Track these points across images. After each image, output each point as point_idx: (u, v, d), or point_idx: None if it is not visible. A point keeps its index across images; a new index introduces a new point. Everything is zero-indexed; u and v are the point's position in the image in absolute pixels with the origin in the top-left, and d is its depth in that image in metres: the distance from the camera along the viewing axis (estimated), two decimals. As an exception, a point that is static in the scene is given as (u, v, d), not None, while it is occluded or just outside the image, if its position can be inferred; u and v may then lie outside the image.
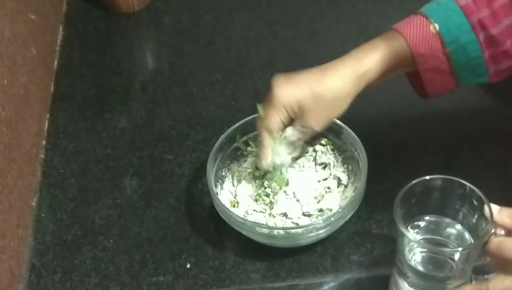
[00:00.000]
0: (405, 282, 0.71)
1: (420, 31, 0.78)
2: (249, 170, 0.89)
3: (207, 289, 0.82)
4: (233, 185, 0.89)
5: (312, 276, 0.82)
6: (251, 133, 0.89)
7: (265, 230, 0.81)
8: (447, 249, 0.70)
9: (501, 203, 0.66)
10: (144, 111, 1.05)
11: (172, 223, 0.89)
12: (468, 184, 0.68)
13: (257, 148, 0.84)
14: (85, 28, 1.21)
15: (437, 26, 0.77)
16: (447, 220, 0.71)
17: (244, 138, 0.90)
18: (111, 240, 0.88)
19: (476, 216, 0.68)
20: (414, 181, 0.69)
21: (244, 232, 0.82)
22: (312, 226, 0.79)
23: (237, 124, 0.90)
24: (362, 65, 0.78)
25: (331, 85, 0.79)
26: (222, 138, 0.88)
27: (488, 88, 1.04)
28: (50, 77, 1.10)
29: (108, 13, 1.22)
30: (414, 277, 0.70)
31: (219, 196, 0.85)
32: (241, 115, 0.98)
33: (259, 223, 0.83)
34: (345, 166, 0.88)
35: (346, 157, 0.88)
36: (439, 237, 0.72)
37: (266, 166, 0.83)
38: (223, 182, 0.89)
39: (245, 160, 0.90)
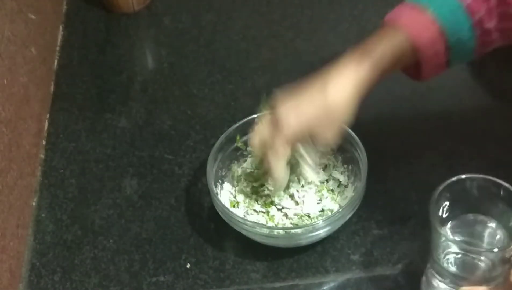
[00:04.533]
0: (438, 281, 0.71)
1: (418, 21, 0.76)
2: (249, 170, 0.89)
3: (207, 289, 0.82)
4: (233, 185, 0.89)
5: (312, 276, 0.82)
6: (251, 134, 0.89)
7: (265, 230, 0.81)
8: (482, 249, 0.69)
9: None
10: (144, 111, 1.05)
11: (172, 223, 0.89)
12: (505, 184, 0.67)
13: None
14: (85, 28, 1.21)
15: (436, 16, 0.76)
16: (482, 220, 0.71)
17: (244, 138, 0.90)
18: (111, 240, 0.88)
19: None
20: (449, 181, 0.69)
21: (244, 232, 0.82)
22: (312, 226, 0.79)
23: (237, 124, 0.90)
24: (362, 70, 0.76)
25: (335, 97, 0.76)
26: (222, 138, 0.88)
27: (488, 88, 1.04)
28: (50, 77, 1.10)
29: (108, 13, 1.22)
30: (448, 277, 0.70)
31: (219, 196, 0.85)
32: (241, 115, 0.98)
33: (259, 223, 0.83)
34: (345, 166, 0.88)
35: (346, 158, 0.88)
36: (473, 238, 0.71)
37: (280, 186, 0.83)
38: (223, 182, 0.89)
39: (245, 160, 0.91)
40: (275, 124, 0.77)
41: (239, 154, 0.91)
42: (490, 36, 0.78)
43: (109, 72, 1.12)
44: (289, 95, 0.79)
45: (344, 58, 0.78)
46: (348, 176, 0.88)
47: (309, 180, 0.85)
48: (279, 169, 0.79)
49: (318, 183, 0.87)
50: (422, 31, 0.76)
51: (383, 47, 0.77)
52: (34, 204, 0.93)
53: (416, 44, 0.76)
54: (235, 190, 0.88)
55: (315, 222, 0.81)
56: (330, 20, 1.17)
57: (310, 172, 0.83)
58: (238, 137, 0.89)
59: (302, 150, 0.81)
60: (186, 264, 0.85)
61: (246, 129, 0.89)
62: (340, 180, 0.88)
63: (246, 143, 0.90)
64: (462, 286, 0.68)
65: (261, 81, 1.07)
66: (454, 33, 0.77)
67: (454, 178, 0.70)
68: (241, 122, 0.90)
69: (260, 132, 0.80)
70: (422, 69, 0.79)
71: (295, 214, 0.84)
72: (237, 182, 0.89)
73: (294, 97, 0.78)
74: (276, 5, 1.22)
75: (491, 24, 0.76)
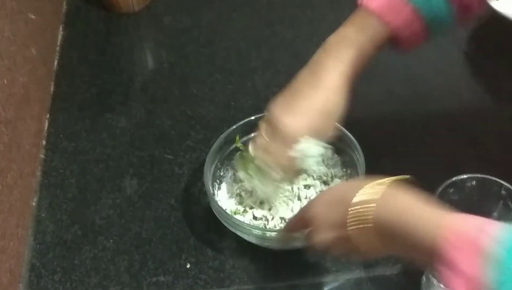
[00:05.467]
0: (438, 281, 0.71)
1: (395, 9, 0.76)
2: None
3: (207, 289, 0.82)
4: (234, 182, 0.88)
5: (312, 276, 0.82)
6: (250, 134, 0.89)
7: (262, 233, 0.80)
8: None
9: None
10: (144, 111, 1.05)
11: (172, 223, 0.89)
12: (505, 184, 0.67)
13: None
14: (85, 28, 1.21)
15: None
16: None
17: (244, 139, 0.90)
18: (111, 240, 0.88)
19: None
20: (449, 181, 0.69)
21: (240, 234, 0.81)
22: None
23: (236, 125, 0.89)
24: (347, 64, 0.77)
25: (328, 94, 0.77)
26: (220, 138, 0.88)
27: (488, 88, 1.04)
28: (50, 77, 1.10)
29: (108, 13, 1.22)
30: None
31: (216, 197, 0.85)
32: (241, 115, 0.98)
33: (255, 226, 0.82)
34: (344, 170, 0.88)
35: (345, 161, 0.88)
36: None
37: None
38: (221, 182, 0.89)
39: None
40: (273, 128, 0.77)
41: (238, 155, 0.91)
42: (470, 7, 0.77)
43: (109, 72, 1.12)
44: (281, 96, 0.79)
45: (328, 48, 0.79)
46: (346, 179, 0.88)
47: (315, 173, 0.85)
48: (270, 182, 0.80)
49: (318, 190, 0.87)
50: (396, 14, 0.76)
51: (363, 38, 0.77)
52: (34, 204, 0.93)
53: (392, 29, 0.76)
54: (233, 191, 0.88)
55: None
56: (330, 20, 1.17)
57: (314, 165, 0.81)
58: (237, 138, 0.89)
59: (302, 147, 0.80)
60: (186, 264, 0.85)
61: (245, 129, 0.89)
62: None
63: (245, 144, 0.90)
64: None
65: (261, 81, 1.07)
66: (430, 10, 0.76)
67: (454, 178, 0.70)
68: (240, 123, 0.89)
69: (260, 141, 0.79)
70: (401, 46, 0.79)
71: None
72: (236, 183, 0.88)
73: (287, 97, 0.78)
74: (276, 5, 1.22)
75: None
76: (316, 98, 0.77)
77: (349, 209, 0.62)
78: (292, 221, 0.76)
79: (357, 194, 0.63)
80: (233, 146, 0.90)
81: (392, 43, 0.79)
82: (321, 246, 0.67)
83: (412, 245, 0.58)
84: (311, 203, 0.70)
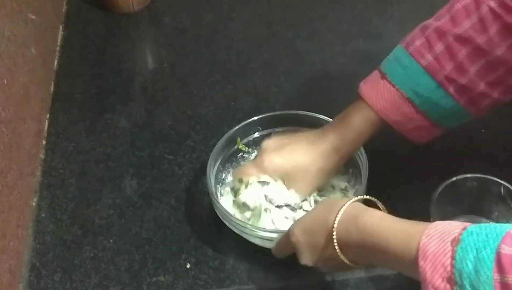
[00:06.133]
0: None
1: (389, 102, 0.78)
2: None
3: (207, 289, 0.82)
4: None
5: (312, 276, 0.82)
6: (252, 135, 0.89)
7: (265, 234, 0.80)
8: None
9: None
10: (144, 111, 1.05)
11: (172, 223, 0.89)
12: (505, 184, 0.67)
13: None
14: (85, 28, 1.21)
15: (404, 93, 0.77)
16: (482, 220, 0.71)
17: (245, 140, 0.90)
18: (111, 240, 0.88)
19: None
20: (449, 181, 0.69)
21: (243, 235, 0.82)
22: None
23: (238, 126, 0.89)
24: (343, 142, 0.81)
25: (315, 160, 0.82)
26: (222, 140, 0.88)
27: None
28: (50, 77, 1.10)
29: (108, 13, 1.22)
30: None
31: (219, 198, 0.85)
32: (241, 115, 0.99)
33: (258, 227, 0.82)
34: (350, 170, 0.88)
35: (347, 162, 0.88)
36: None
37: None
38: (223, 184, 0.89)
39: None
40: (258, 163, 0.84)
41: (239, 157, 0.91)
42: (474, 91, 0.76)
43: (109, 72, 1.12)
44: (275, 143, 0.84)
45: (327, 128, 0.83)
46: (348, 179, 0.88)
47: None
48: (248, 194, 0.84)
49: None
50: (381, 100, 0.78)
51: (357, 123, 0.80)
52: (34, 204, 0.93)
53: (380, 114, 0.78)
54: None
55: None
56: (330, 20, 1.18)
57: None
58: (238, 139, 0.89)
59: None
60: (186, 264, 0.84)
61: (247, 131, 0.90)
62: (342, 187, 0.87)
63: (247, 145, 0.90)
64: None
65: (261, 81, 1.07)
66: (419, 94, 0.76)
67: (454, 178, 0.70)
68: (242, 124, 0.89)
69: (243, 169, 0.86)
70: (403, 133, 0.80)
71: (295, 219, 0.84)
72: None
73: (281, 145, 0.84)
74: (276, 5, 1.22)
75: (464, 79, 0.75)
76: (302, 154, 0.82)
77: (332, 234, 0.66)
78: (278, 244, 0.78)
79: (336, 219, 0.66)
80: (235, 147, 0.90)
81: (395, 125, 0.81)
82: (309, 266, 0.72)
83: (394, 259, 0.60)
84: (293, 229, 0.73)
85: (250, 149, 0.90)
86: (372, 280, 0.81)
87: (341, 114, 0.83)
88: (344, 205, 0.67)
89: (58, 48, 1.16)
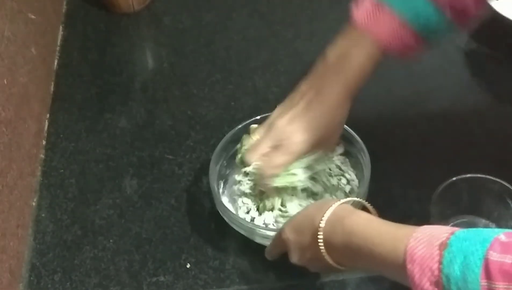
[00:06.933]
0: None
1: (391, 31, 0.76)
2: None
3: (207, 289, 0.82)
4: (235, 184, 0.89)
5: (312, 276, 0.82)
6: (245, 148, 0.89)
7: (268, 233, 0.80)
8: None
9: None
10: (144, 111, 1.05)
11: (172, 223, 0.89)
12: (506, 184, 0.67)
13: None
14: (85, 28, 1.21)
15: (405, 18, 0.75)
16: (482, 220, 0.71)
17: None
18: (111, 240, 0.88)
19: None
20: (449, 181, 0.69)
21: (246, 234, 0.82)
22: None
23: (241, 125, 0.89)
24: (349, 80, 0.78)
25: (331, 110, 0.79)
26: (226, 138, 0.88)
27: (488, 88, 1.04)
28: (50, 77, 1.10)
29: (108, 13, 1.22)
30: None
31: (220, 197, 0.85)
32: (241, 115, 0.99)
33: (261, 225, 0.82)
34: (355, 171, 0.88)
35: (351, 162, 0.88)
36: None
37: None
38: (226, 182, 0.89)
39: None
40: (274, 138, 0.80)
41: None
42: (466, 11, 0.75)
43: (109, 72, 1.12)
44: (283, 109, 0.81)
45: (329, 62, 0.79)
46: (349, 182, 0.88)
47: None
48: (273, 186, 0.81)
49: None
50: (382, 28, 0.76)
51: (361, 52, 0.77)
52: (34, 204, 0.93)
53: (382, 42, 0.76)
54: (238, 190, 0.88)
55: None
56: (330, 20, 1.17)
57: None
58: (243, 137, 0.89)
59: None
60: (186, 264, 0.85)
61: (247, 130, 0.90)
62: (346, 191, 0.87)
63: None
64: None
65: (261, 81, 1.07)
66: (418, 22, 0.75)
67: (454, 178, 0.70)
68: (245, 122, 0.89)
69: (256, 147, 0.81)
70: (399, 56, 0.78)
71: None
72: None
73: (289, 111, 0.80)
74: (276, 5, 1.22)
75: None
76: (321, 113, 0.79)
77: (318, 233, 0.66)
78: (271, 245, 0.78)
79: (322, 218, 0.66)
80: (238, 146, 0.90)
81: (391, 54, 0.79)
82: (298, 265, 0.72)
83: (380, 261, 0.60)
84: (284, 227, 0.73)
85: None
86: (372, 280, 0.81)
87: (336, 50, 0.79)
88: (332, 205, 0.67)
89: (58, 48, 1.16)
